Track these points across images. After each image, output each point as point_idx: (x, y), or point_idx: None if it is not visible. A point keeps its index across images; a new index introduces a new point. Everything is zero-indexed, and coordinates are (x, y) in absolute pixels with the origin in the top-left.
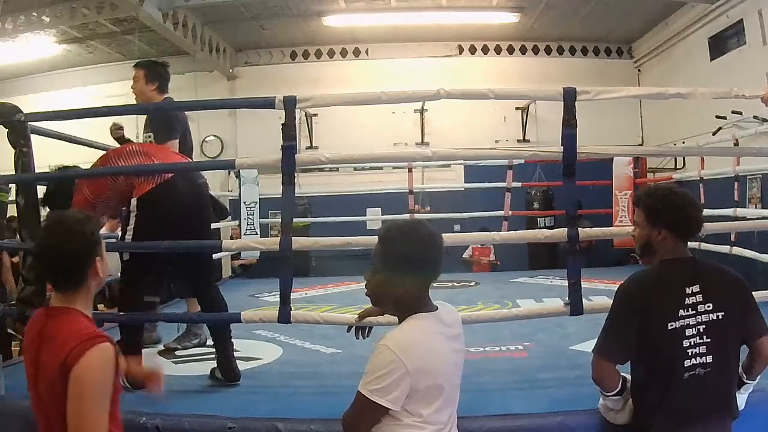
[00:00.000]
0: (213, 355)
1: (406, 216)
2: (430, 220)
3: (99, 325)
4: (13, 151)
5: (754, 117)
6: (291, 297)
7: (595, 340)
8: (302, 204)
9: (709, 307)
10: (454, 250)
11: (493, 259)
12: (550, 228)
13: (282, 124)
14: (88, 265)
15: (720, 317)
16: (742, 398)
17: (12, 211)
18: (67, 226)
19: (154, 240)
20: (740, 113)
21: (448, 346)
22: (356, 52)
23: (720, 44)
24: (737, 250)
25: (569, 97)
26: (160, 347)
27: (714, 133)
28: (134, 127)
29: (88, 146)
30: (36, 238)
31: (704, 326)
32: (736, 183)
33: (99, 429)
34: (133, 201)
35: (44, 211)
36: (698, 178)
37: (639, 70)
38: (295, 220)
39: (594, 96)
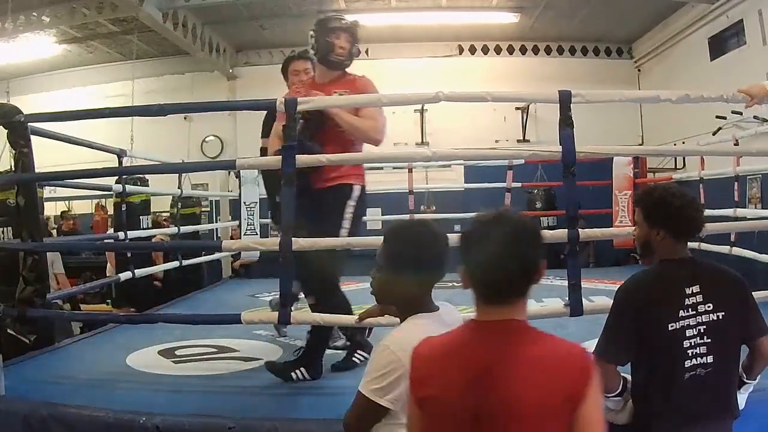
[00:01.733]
0: (212, 355)
1: (406, 216)
2: (435, 220)
3: (101, 324)
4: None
5: (755, 117)
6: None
7: (595, 340)
8: None
9: (709, 307)
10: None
11: None
12: (553, 228)
13: (283, 126)
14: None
15: (720, 317)
16: (742, 398)
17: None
18: (532, 228)
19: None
20: (740, 113)
21: None
22: None
23: (720, 44)
24: (737, 250)
25: (565, 100)
26: (161, 347)
27: (714, 133)
28: (126, 128)
29: (87, 147)
30: (490, 243)
31: (704, 326)
32: (736, 183)
33: None
34: (357, 188)
35: None
36: (698, 178)
37: (639, 70)
38: None
39: (588, 99)
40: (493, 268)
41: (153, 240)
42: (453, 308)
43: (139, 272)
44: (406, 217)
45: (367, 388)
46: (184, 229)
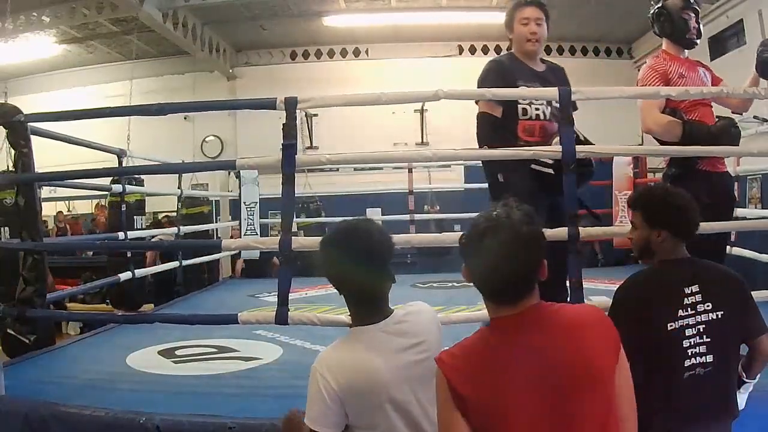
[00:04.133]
0: (212, 355)
1: (407, 216)
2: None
3: (101, 324)
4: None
5: (754, 117)
6: (291, 297)
7: None
8: (314, 203)
9: (708, 306)
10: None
11: None
12: None
13: (283, 125)
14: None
15: (719, 316)
16: (742, 398)
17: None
18: (530, 232)
19: None
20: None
21: (396, 359)
22: (356, 52)
23: (720, 44)
24: (737, 250)
25: (564, 98)
26: (161, 347)
27: None
28: (125, 128)
29: (87, 147)
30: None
31: (704, 326)
32: (736, 183)
33: None
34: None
35: None
36: None
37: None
38: (308, 219)
39: (588, 96)
40: (498, 277)
41: (153, 239)
42: (421, 311)
43: (139, 272)
44: (407, 217)
45: (308, 416)
46: (190, 228)
